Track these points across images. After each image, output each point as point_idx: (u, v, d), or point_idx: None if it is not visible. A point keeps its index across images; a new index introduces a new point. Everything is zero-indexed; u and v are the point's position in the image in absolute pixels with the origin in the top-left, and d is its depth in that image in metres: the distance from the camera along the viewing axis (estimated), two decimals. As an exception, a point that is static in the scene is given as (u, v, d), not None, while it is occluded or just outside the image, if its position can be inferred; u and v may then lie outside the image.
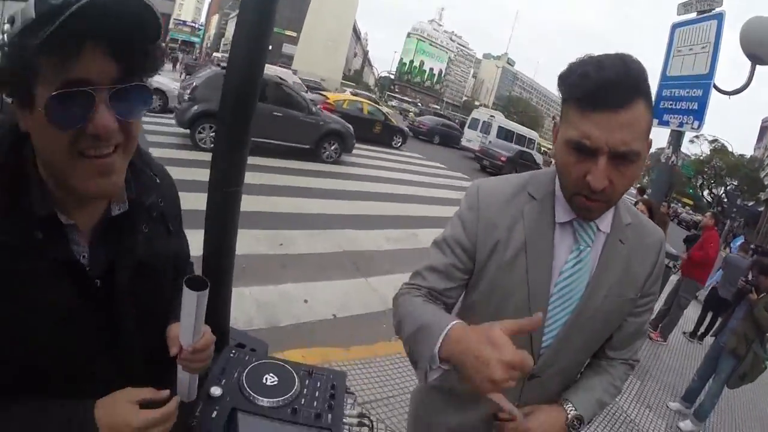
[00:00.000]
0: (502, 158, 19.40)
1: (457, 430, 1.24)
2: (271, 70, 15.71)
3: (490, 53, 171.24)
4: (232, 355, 1.21)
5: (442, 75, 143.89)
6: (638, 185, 19.11)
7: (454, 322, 0.92)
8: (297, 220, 6.46)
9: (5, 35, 0.66)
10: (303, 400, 1.10)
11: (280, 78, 11.90)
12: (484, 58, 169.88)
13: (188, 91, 9.22)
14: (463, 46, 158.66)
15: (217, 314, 1.62)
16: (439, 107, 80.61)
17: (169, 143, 9.10)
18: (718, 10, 4.69)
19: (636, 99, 0.89)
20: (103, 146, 0.70)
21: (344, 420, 1.09)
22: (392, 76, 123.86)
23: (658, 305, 6.49)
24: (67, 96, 0.65)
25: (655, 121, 4.96)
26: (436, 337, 0.90)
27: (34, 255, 0.71)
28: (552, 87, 1.09)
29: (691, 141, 44.50)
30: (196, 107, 9.10)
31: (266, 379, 1.13)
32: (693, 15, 4.94)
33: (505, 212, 1.11)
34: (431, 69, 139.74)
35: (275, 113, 10.18)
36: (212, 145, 6.33)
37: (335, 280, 4.79)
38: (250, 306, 3.81)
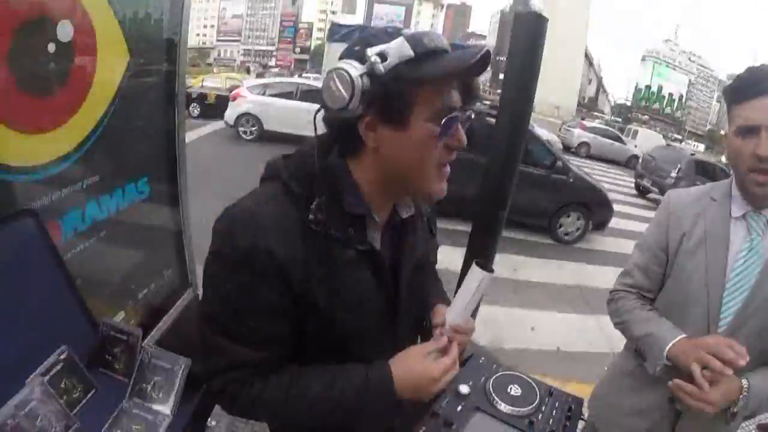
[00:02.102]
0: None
1: (630, 409, 1.42)
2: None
3: (734, 73, 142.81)
4: (481, 361, 1.34)
5: (683, 100, 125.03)
6: None
7: (680, 337, 1.24)
8: (533, 248, 6.51)
9: (374, 66, 0.77)
10: (540, 415, 1.15)
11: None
12: (729, 79, 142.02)
13: (675, 171, 12.30)
14: (704, 67, 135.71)
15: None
16: (681, 137, 70.35)
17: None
18: None
19: None
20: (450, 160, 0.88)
21: (573, 444, 1.11)
22: (629, 103, 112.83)
23: None
24: (450, 119, 0.81)
25: None
26: (666, 344, 1.25)
27: (348, 245, 0.86)
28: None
29: None
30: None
31: (510, 388, 1.21)
32: None
33: (690, 210, 1.35)
34: (670, 94, 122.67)
35: None
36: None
37: (564, 313, 4.64)
38: (478, 322, 3.96)
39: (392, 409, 0.88)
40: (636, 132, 24.83)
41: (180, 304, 1.85)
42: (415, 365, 0.88)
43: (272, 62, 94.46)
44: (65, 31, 1.17)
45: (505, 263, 5.55)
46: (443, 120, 0.80)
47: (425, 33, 0.81)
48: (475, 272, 0.94)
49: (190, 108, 14.95)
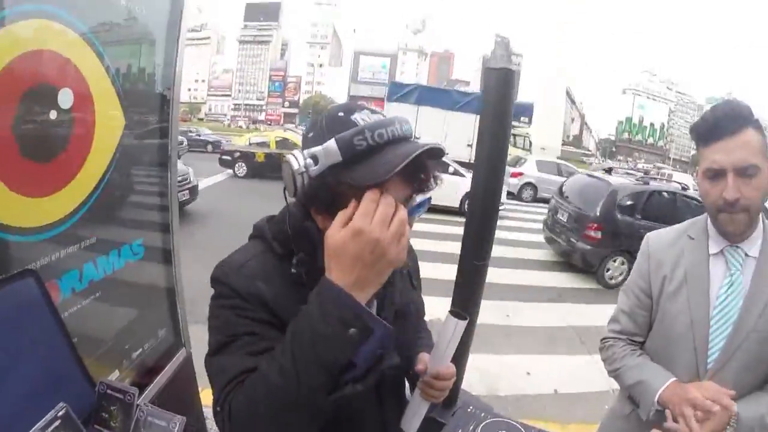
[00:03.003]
0: None
1: None
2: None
3: (713, 96, 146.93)
4: (469, 410, 1.37)
5: (665, 129, 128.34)
6: None
7: (672, 380, 1.26)
8: (524, 292, 6.53)
9: (308, 168, 0.79)
10: None
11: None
12: (708, 103, 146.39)
13: None
14: (683, 93, 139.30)
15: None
16: (666, 165, 71.44)
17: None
18: None
19: (744, 127, 1.16)
20: None
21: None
22: (613, 137, 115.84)
23: None
24: None
25: None
26: (655, 391, 1.26)
27: None
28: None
29: None
30: None
31: None
32: None
33: (669, 252, 1.37)
34: (652, 124, 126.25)
35: None
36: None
37: (559, 354, 4.63)
38: (472, 372, 3.93)
39: (350, 313, 0.73)
40: (671, 175, 24.93)
41: (174, 363, 1.85)
42: (335, 238, 0.74)
43: (262, 116, 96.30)
44: (66, 98, 1.23)
45: (496, 310, 5.55)
46: None
47: (360, 131, 0.77)
48: (450, 320, 0.99)
49: (236, 168, 15.08)
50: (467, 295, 1.83)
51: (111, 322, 1.57)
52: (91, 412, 1.09)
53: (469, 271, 1.81)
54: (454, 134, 15.27)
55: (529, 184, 16.95)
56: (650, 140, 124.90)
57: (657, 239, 1.44)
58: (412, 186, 0.85)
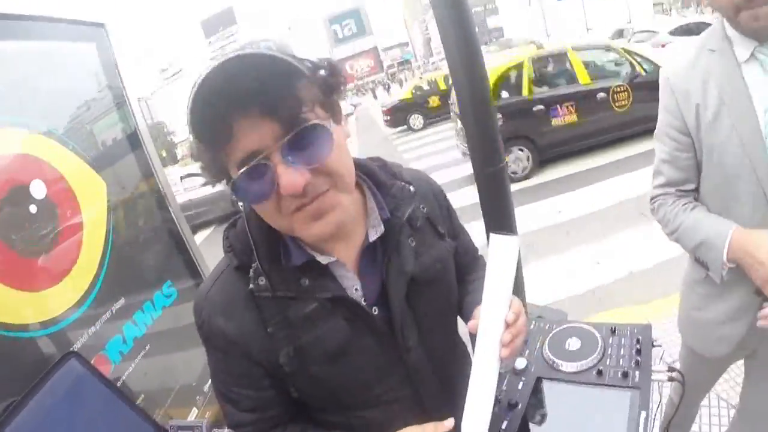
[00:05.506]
0: None
1: (718, 319, 1.28)
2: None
3: None
4: (532, 327, 1.24)
5: None
6: None
7: (732, 231, 1.09)
8: (566, 183, 6.33)
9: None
10: (608, 360, 1.08)
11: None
12: None
13: None
14: None
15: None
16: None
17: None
18: None
19: None
20: (306, 198, 0.67)
21: (652, 376, 1.02)
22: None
23: None
24: (246, 174, 0.64)
25: None
26: (721, 248, 1.11)
27: (307, 299, 0.77)
28: None
29: None
30: None
31: (568, 344, 1.13)
32: None
33: (692, 76, 1.14)
34: None
35: None
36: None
37: (622, 232, 4.49)
38: (543, 281, 3.88)
39: None
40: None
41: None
42: None
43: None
44: (39, 188, 1.24)
45: (547, 209, 5.42)
46: (228, 181, 0.67)
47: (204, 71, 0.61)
48: (497, 242, 0.76)
49: (410, 121, 14.34)
50: (498, 205, 1.68)
51: (170, 367, 1.61)
52: (169, 454, 1.14)
53: (487, 180, 1.66)
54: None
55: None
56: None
57: (673, 67, 1.20)
58: (276, 120, 0.63)
